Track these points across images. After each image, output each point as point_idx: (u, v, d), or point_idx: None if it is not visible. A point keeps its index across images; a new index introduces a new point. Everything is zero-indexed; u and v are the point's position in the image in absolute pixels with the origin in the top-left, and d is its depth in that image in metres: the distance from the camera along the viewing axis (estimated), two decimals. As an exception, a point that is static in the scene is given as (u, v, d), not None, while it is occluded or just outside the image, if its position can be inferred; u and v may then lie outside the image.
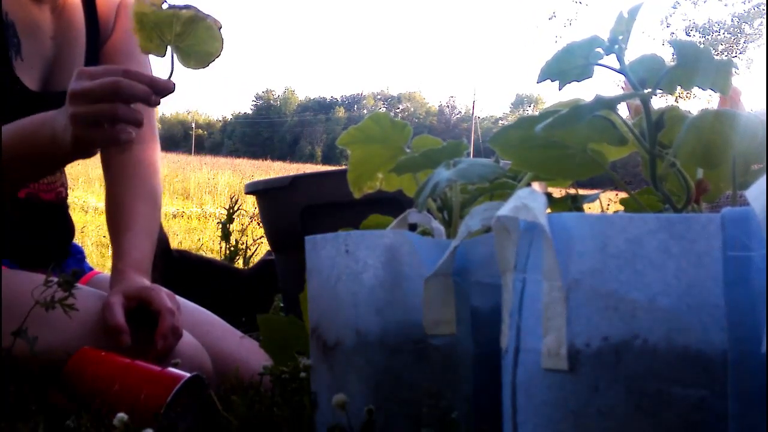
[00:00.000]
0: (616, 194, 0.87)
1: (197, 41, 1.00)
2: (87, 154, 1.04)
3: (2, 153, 1.06)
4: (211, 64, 1.02)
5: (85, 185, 11.68)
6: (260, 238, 3.06)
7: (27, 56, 1.25)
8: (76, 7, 1.35)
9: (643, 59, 0.77)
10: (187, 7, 0.98)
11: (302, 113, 73.40)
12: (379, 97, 77.72)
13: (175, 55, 1.00)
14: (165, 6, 0.97)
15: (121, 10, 1.41)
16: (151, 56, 1.43)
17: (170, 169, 15.23)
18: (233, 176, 15.60)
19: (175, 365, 1.03)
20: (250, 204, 4.18)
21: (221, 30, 1.01)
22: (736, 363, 0.55)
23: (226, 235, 2.86)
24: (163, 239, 1.99)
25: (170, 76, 1.00)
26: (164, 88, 0.99)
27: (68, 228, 1.49)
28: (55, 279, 0.99)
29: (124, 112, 0.98)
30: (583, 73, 0.78)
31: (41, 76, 1.29)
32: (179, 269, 1.97)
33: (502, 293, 0.70)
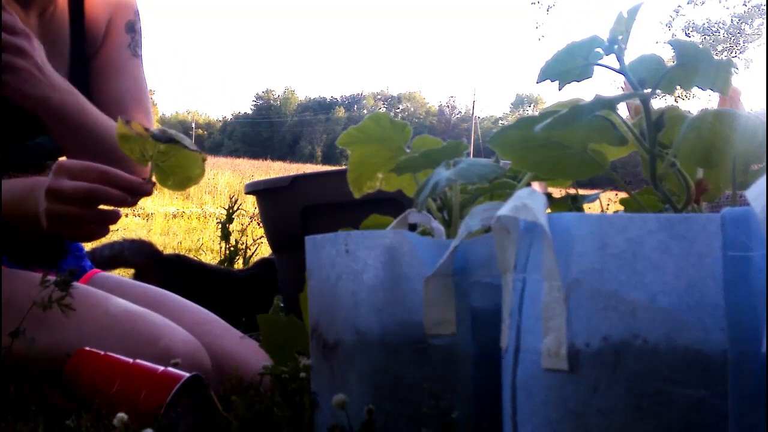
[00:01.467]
0: (616, 194, 0.87)
1: (178, 164, 1.01)
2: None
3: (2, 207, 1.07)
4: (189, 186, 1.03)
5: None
6: (260, 238, 3.06)
7: None
8: (63, 18, 1.33)
9: (642, 59, 0.77)
10: (171, 139, 0.98)
11: (302, 113, 73.35)
12: (379, 97, 77.70)
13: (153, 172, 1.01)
14: (147, 133, 0.97)
15: (112, 23, 1.38)
16: (143, 63, 1.43)
17: (170, 169, 15.16)
18: (233, 176, 15.59)
19: (175, 365, 1.03)
20: (250, 204, 4.18)
21: (204, 162, 1.02)
22: (736, 363, 0.55)
23: (225, 235, 2.86)
24: (149, 248, 1.99)
25: (149, 179, 1.01)
26: (142, 191, 1.00)
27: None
28: (52, 278, 0.99)
29: (98, 216, 0.99)
30: (583, 73, 0.78)
31: None
32: (175, 273, 1.97)
33: (502, 293, 0.70)
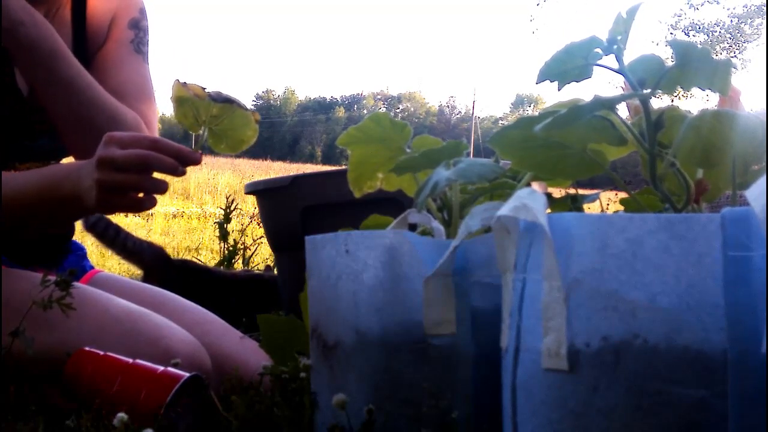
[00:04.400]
0: (616, 194, 0.87)
1: (231, 126, 1.03)
2: (109, 213, 1.07)
3: (20, 201, 1.07)
4: (241, 149, 1.05)
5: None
6: (260, 238, 3.06)
7: None
8: (65, 19, 1.32)
9: (642, 59, 0.77)
10: (227, 100, 1.00)
11: (302, 113, 73.27)
12: (379, 97, 77.65)
13: (206, 136, 1.02)
14: (205, 93, 0.99)
15: (115, 21, 1.36)
16: (147, 59, 1.42)
17: (170, 169, 15.16)
18: (233, 176, 15.59)
19: (175, 365, 1.03)
20: (250, 204, 4.19)
21: (258, 122, 1.03)
22: (736, 363, 0.55)
23: (223, 235, 2.86)
24: (161, 252, 1.99)
25: (199, 148, 1.02)
26: (191, 160, 1.01)
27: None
28: (53, 278, 0.99)
29: (150, 183, 1.00)
30: (582, 73, 0.78)
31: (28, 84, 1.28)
32: (178, 276, 1.97)
33: (502, 293, 0.71)
